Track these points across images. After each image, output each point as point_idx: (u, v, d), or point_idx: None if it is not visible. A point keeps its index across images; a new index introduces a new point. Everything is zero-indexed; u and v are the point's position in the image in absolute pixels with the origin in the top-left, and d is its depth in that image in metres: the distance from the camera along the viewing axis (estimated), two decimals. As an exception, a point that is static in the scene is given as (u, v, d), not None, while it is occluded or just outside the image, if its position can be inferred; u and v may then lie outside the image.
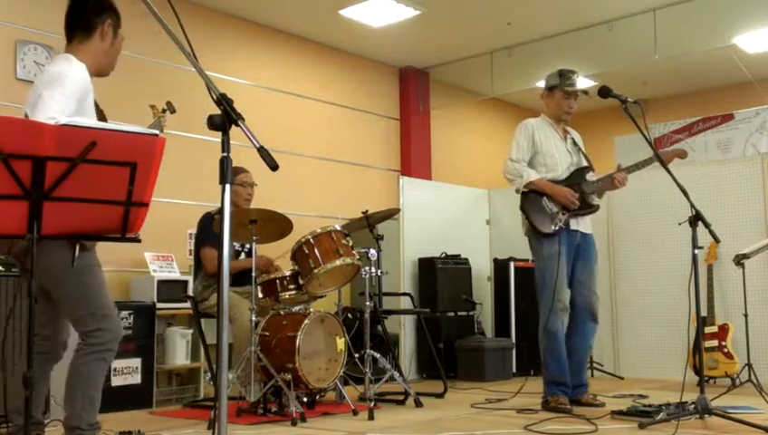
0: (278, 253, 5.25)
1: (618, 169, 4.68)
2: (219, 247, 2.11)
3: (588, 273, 4.77)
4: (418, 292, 6.91)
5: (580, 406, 4.64)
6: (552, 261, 4.59)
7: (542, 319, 4.69)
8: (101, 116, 3.17)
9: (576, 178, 4.75)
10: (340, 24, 7.55)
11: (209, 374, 5.47)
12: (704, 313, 5.52)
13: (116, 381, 4.98)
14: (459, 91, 9.55)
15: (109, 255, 5.68)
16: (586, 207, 4.72)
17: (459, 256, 7.11)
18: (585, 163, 4.84)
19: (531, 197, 4.73)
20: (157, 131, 2.26)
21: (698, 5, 7.19)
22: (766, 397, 4.57)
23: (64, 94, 2.77)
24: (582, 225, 4.77)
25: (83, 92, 2.86)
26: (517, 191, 4.79)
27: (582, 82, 8.20)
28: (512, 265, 6.94)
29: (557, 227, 4.63)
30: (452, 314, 6.91)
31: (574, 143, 4.89)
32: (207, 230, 5.08)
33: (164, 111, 3.74)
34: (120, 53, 3.14)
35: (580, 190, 4.69)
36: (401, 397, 5.08)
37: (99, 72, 3.09)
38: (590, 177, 4.79)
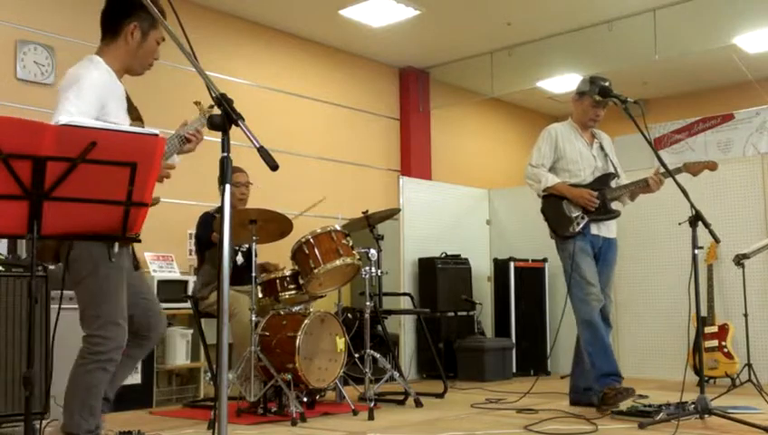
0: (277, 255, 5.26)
1: (655, 173, 4.63)
2: (219, 247, 2.11)
3: (604, 276, 4.75)
4: (418, 292, 6.91)
5: (592, 408, 4.57)
6: (575, 256, 4.58)
7: (577, 314, 4.63)
8: (136, 114, 3.18)
9: (599, 185, 4.73)
10: (340, 24, 7.55)
11: (209, 374, 5.47)
12: (704, 313, 5.52)
13: (116, 381, 4.98)
14: (459, 91, 9.54)
15: (109, 255, 5.73)
16: (605, 213, 4.71)
17: (459, 256, 7.11)
18: (611, 169, 4.80)
19: (551, 200, 4.74)
20: (157, 131, 2.25)
21: (698, 5, 7.19)
22: (766, 397, 4.57)
23: (79, 96, 2.80)
24: (605, 230, 4.74)
25: (102, 93, 2.88)
26: (539, 195, 4.81)
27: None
28: (512, 265, 6.94)
29: (574, 230, 4.63)
30: (452, 314, 6.90)
31: (601, 148, 4.84)
32: (210, 228, 5.11)
33: (211, 106, 3.73)
34: (154, 52, 3.14)
35: (602, 196, 4.68)
36: (401, 397, 5.08)
37: (128, 71, 3.13)
38: (615, 183, 4.78)
